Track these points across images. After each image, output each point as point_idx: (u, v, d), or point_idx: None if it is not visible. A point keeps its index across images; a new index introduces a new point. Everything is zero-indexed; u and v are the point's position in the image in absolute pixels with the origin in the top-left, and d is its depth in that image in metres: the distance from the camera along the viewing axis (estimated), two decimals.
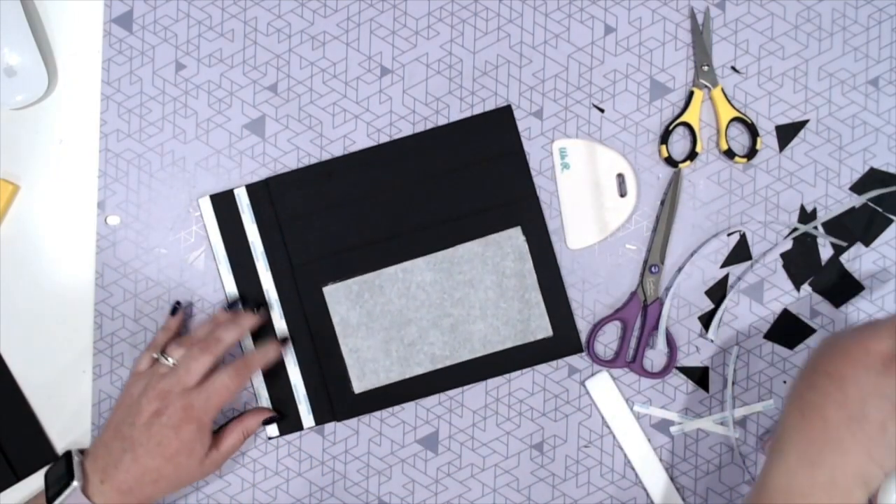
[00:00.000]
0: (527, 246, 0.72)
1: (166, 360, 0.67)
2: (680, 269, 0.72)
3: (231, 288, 0.72)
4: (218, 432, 0.69)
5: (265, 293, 0.72)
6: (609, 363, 0.72)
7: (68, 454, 0.66)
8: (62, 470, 0.65)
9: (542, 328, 0.72)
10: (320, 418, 0.72)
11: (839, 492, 0.54)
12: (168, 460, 0.65)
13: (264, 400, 0.72)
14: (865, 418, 0.54)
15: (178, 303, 0.71)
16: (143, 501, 0.65)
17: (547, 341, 0.72)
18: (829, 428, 0.55)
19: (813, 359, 0.58)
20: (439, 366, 0.72)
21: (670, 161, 0.72)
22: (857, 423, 0.54)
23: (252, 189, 0.72)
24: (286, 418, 0.72)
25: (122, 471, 0.64)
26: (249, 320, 0.69)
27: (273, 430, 0.72)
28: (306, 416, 0.72)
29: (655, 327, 0.72)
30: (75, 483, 0.63)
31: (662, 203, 0.72)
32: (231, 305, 0.72)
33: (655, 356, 0.73)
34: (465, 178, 0.72)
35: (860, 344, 0.56)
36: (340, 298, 0.72)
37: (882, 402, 0.54)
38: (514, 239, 0.72)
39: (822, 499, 0.55)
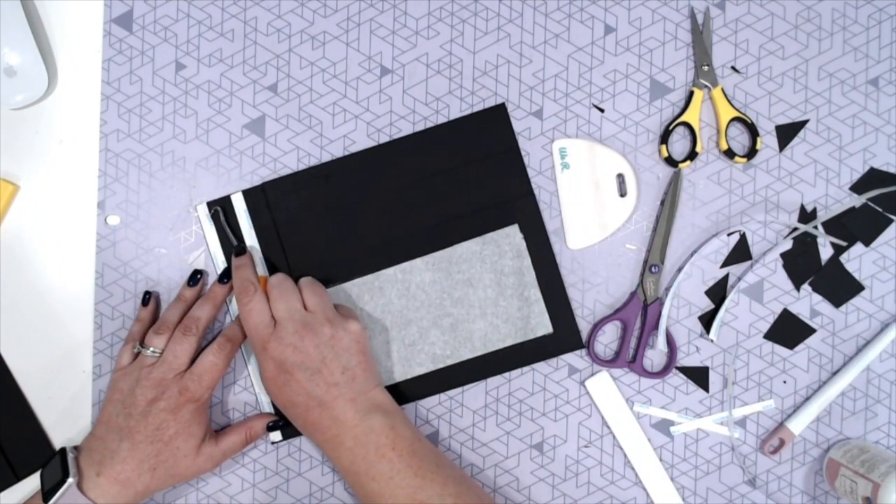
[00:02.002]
0: (524, 243, 0.72)
1: (149, 351, 0.67)
2: (680, 269, 0.72)
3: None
4: (220, 432, 0.69)
5: None
6: (609, 363, 0.72)
7: (62, 451, 0.66)
8: (57, 467, 0.65)
9: (542, 325, 0.72)
10: None
11: None
12: (166, 444, 0.65)
13: (266, 405, 0.72)
14: None
15: (148, 293, 0.71)
16: (140, 492, 0.65)
17: (547, 338, 0.72)
18: None
19: None
20: (440, 365, 0.72)
21: (670, 161, 0.72)
22: None
23: (249, 194, 0.72)
24: (290, 425, 0.72)
25: (119, 461, 0.64)
26: (220, 292, 0.70)
27: (276, 435, 0.72)
28: None
29: (655, 327, 0.72)
30: (70, 479, 0.63)
31: (662, 203, 0.72)
32: (192, 279, 0.71)
33: (655, 356, 0.73)
34: (462, 178, 0.72)
35: None
36: (340, 301, 0.72)
37: None
38: (511, 237, 0.72)
39: None
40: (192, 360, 0.67)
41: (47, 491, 0.64)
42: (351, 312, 0.69)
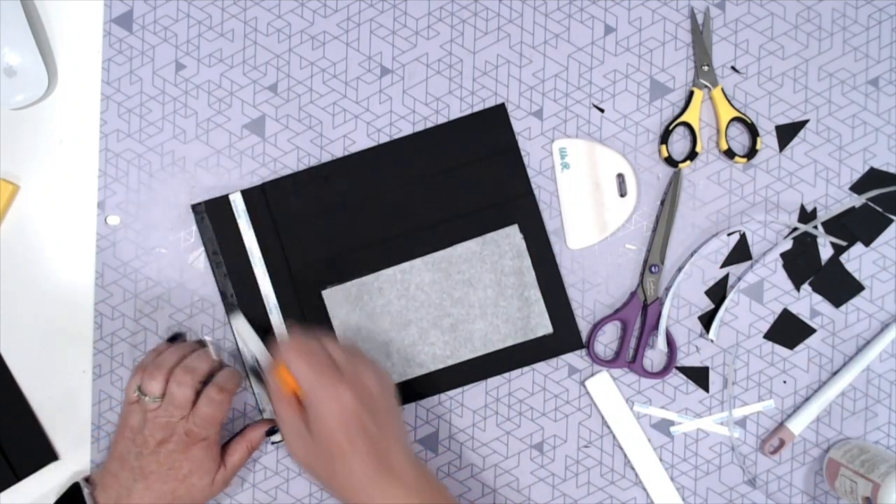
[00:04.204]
0: (524, 243, 0.72)
1: (148, 399, 0.66)
2: (680, 269, 0.72)
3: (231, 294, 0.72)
4: (224, 451, 0.69)
5: (264, 298, 0.72)
6: (609, 363, 0.72)
7: (76, 486, 0.65)
8: (71, 499, 0.64)
9: (542, 325, 0.72)
10: None
11: None
12: (181, 482, 0.65)
13: (268, 411, 0.72)
14: None
15: (183, 334, 0.72)
16: None
17: (547, 338, 0.72)
18: None
19: None
20: (441, 366, 0.72)
21: (670, 161, 0.72)
22: None
23: (248, 194, 0.72)
24: None
25: (136, 499, 0.64)
26: (207, 361, 0.68)
27: (277, 436, 0.72)
28: None
29: (655, 327, 0.72)
30: None
31: (662, 203, 0.72)
32: (173, 339, 0.72)
33: (655, 356, 0.73)
34: (461, 178, 0.72)
35: None
36: (340, 301, 0.72)
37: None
38: (511, 237, 0.72)
39: None
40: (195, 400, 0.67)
41: None
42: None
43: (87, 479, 0.67)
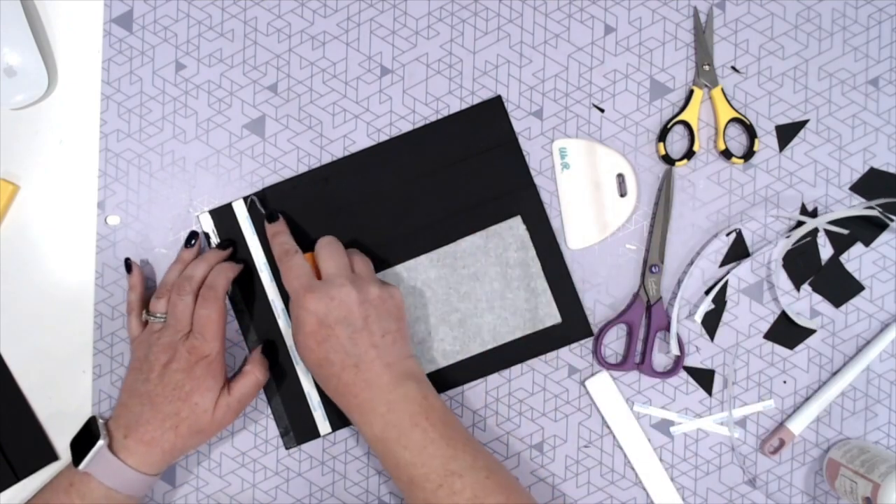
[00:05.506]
0: (528, 234, 0.72)
1: (156, 317, 0.67)
2: (685, 271, 0.72)
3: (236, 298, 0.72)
4: (231, 380, 0.69)
5: (270, 303, 0.72)
6: (618, 366, 0.72)
7: (92, 419, 0.67)
8: (87, 432, 0.66)
9: (550, 315, 0.72)
10: (335, 424, 0.72)
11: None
12: (185, 401, 0.65)
13: (279, 412, 0.72)
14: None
15: (127, 259, 0.71)
16: (166, 451, 0.65)
17: (556, 328, 0.72)
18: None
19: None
20: (451, 361, 0.72)
21: (667, 159, 0.72)
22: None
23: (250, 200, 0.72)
24: (299, 421, 0.72)
25: (143, 423, 0.65)
26: (215, 255, 0.70)
27: (290, 441, 0.72)
28: (322, 423, 0.72)
29: (661, 328, 0.72)
30: (101, 441, 0.64)
31: (657, 203, 0.72)
32: (189, 240, 0.71)
33: (660, 356, 0.73)
34: (462, 172, 0.72)
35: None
36: None
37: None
38: (514, 228, 0.72)
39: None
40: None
41: (78, 456, 0.65)
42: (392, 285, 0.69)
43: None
